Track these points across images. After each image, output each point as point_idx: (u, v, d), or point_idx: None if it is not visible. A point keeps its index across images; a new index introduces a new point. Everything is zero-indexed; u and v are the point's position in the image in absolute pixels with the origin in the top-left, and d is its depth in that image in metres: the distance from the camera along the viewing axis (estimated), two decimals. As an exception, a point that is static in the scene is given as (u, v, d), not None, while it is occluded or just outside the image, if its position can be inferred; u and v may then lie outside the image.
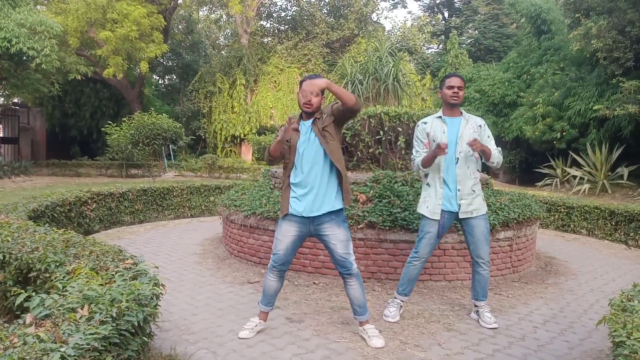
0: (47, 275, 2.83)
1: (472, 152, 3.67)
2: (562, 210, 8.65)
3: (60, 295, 2.22)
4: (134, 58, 20.28)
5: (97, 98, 23.60)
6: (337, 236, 3.32)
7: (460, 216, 3.71)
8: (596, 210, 8.16)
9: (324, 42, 26.93)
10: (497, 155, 3.72)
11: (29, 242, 3.34)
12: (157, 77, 33.89)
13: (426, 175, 3.79)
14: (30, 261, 3.03)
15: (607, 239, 7.90)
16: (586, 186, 14.73)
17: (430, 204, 3.72)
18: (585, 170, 15.31)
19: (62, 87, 19.16)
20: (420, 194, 3.93)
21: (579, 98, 16.02)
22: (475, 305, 3.90)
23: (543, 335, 3.63)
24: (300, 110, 3.43)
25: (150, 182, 9.76)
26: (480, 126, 3.78)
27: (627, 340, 2.04)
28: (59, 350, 1.70)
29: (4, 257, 3.25)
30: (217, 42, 35.22)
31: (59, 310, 2.05)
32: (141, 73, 21.35)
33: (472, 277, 3.91)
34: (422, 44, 30.75)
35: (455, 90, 3.66)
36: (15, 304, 2.64)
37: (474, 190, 3.72)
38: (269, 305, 3.53)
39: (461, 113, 3.79)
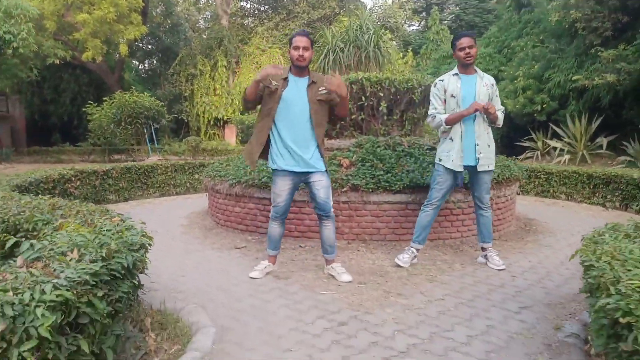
0: (35, 233, 2.86)
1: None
2: (542, 176, 8.83)
3: (49, 242, 2.27)
4: (112, 41, 19.96)
5: (77, 84, 23.25)
6: (322, 183, 3.68)
7: (478, 169, 3.97)
8: (574, 175, 8.34)
9: (305, 22, 26.75)
10: (501, 117, 4.01)
11: (15, 207, 3.35)
12: (137, 62, 33.40)
13: (445, 130, 4.00)
14: (17, 222, 3.04)
15: (586, 202, 8.10)
16: (566, 157, 14.94)
17: (454, 156, 3.94)
18: (565, 142, 15.50)
19: (40, 73, 18.82)
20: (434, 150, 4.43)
21: (559, 70, 16.17)
22: (483, 249, 4.23)
23: (521, 283, 3.78)
24: (291, 65, 3.66)
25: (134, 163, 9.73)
26: (492, 85, 4.05)
27: (596, 263, 2.16)
28: (51, 282, 1.76)
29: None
30: (197, 24, 34.76)
31: (49, 253, 2.10)
32: (121, 57, 21.05)
33: (477, 221, 4.24)
34: (403, 21, 30.67)
35: (467, 50, 3.89)
36: (5, 248, 2.67)
37: (489, 145, 4.00)
38: (276, 249, 3.96)
39: (475, 71, 4.02)
